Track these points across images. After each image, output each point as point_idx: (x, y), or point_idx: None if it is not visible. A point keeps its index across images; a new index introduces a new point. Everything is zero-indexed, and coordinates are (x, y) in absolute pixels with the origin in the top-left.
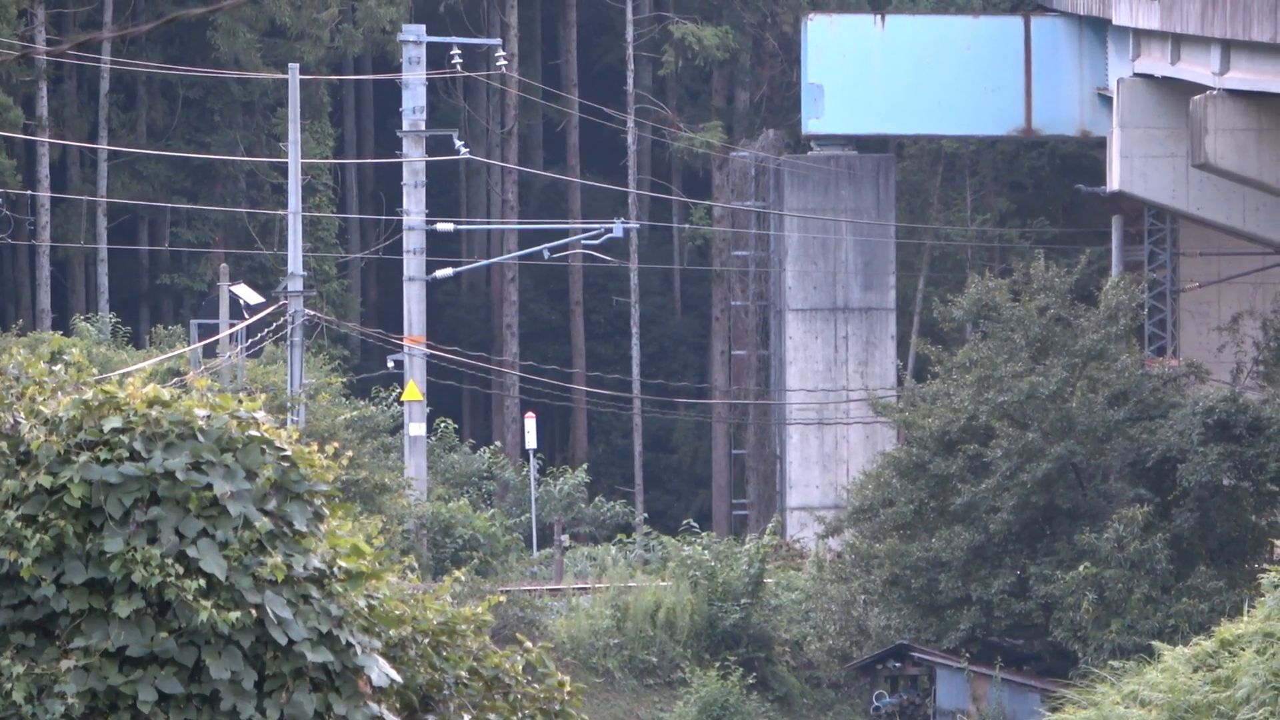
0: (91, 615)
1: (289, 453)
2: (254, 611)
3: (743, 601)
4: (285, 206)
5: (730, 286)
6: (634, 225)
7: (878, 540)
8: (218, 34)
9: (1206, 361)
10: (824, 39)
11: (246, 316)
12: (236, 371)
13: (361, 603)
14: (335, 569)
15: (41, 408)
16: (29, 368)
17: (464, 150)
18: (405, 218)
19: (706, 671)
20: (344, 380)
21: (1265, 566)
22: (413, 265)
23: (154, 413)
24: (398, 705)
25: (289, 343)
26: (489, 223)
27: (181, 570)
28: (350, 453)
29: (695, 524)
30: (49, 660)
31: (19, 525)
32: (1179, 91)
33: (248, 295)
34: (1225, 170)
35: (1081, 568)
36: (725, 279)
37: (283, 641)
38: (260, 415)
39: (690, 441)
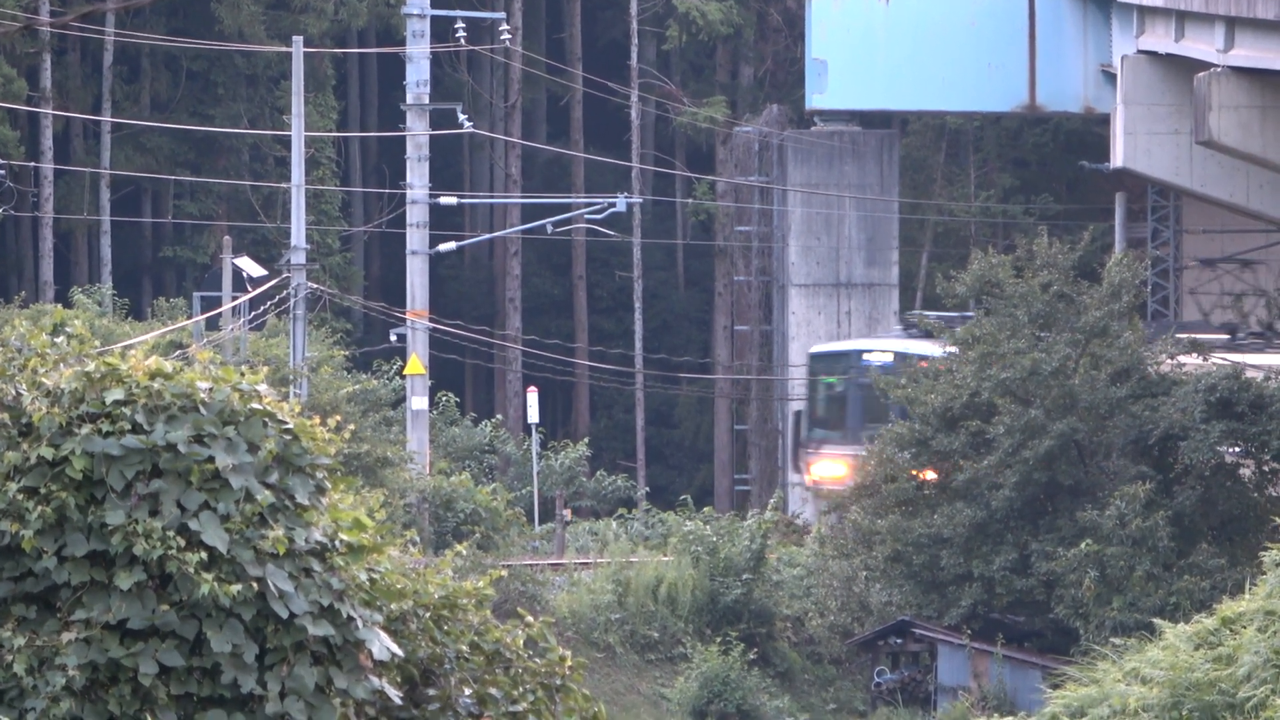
0: (93, 588)
1: (291, 426)
2: (255, 584)
3: (744, 577)
4: (288, 179)
5: (733, 262)
6: (637, 200)
7: (879, 516)
8: (221, 6)
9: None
10: (828, 14)
11: (249, 289)
12: (239, 344)
13: (363, 576)
14: (337, 542)
15: (43, 380)
16: (31, 340)
17: (467, 124)
18: (408, 191)
19: (708, 647)
20: (346, 354)
21: (1267, 544)
22: (415, 239)
23: (156, 385)
24: (399, 679)
25: (291, 316)
26: (492, 197)
27: (183, 543)
28: (352, 426)
29: (691, 501)
30: (50, 632)
31: (20, 497)
32: (1183, 68)
33: (250, 268)
34: (1229, 147)
35: (1083, 545)
36: (728, 254)
37: (284, 615)
38: (262, 388)
39: (692, 416)
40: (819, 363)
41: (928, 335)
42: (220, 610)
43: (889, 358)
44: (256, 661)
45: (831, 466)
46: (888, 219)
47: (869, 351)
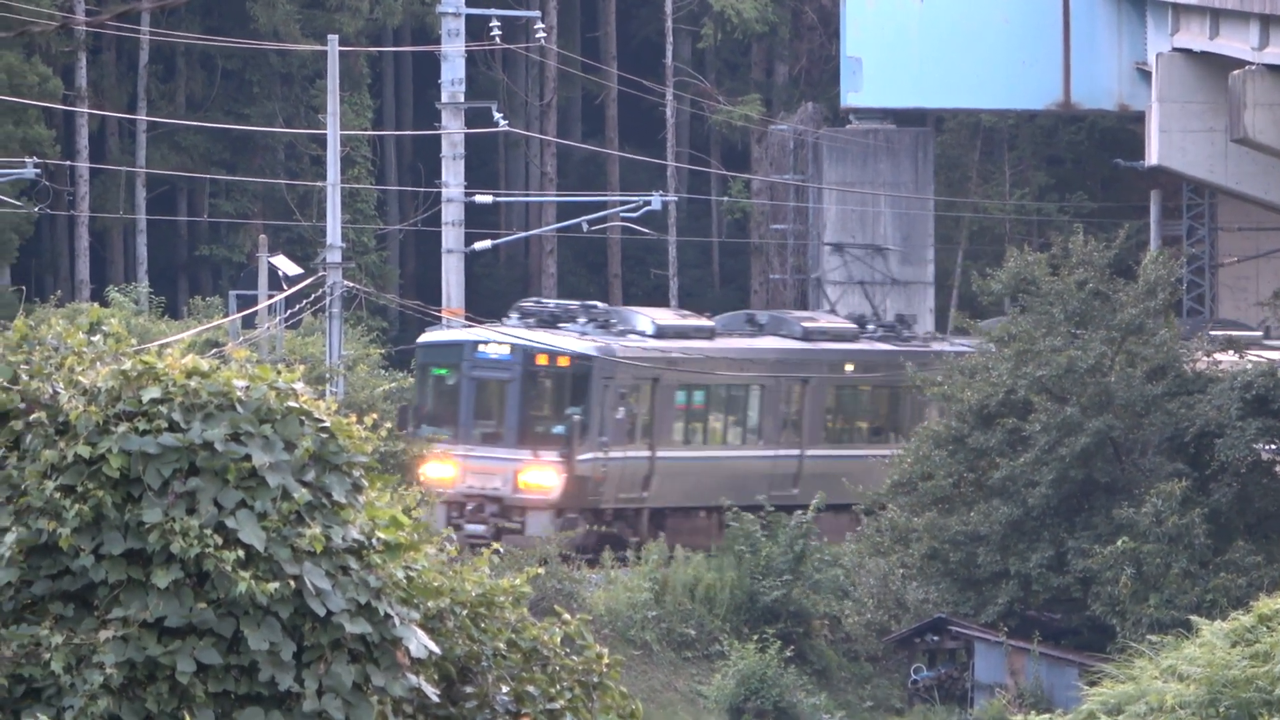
0: (130, 586)
1: (328, 424)
2: (292, 582)
3: (784, 578)
4: (324, 178)
5: (768, 260)
6: (672, 198)
7: (916, 514)
8: (257, 5)
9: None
10: (863, 12)
11: (285, 288)
12: (275, 343)
13: (400, 574)
14: (374, 540)
15: (80, 378)
16: (68, 338)
17: (503, 123)
18: (444, 190)
19: (745, 645)
20: (382, 351)
21: None
22: (451, 237)
23: (193, 383)
24: (435, 676)
25: (327, 314)
26: (527, 195)
27: (220, 541)
28: (389, 424)
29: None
30: (87, 630)
31: (58, 495)
32: (1218, 66)
33: (286, 266)
34: (1264, 145)
35: (1119, 542)
36: (764, 252)
37: (321, 613)
38: (299, 386)
39: None
40: (428, 353)
41: (551, 325)
42: (257, 608)
43: (505, 350)
44: (294, 659)
45: (440, 468)
46: (923, 217)
47: (484, 342)
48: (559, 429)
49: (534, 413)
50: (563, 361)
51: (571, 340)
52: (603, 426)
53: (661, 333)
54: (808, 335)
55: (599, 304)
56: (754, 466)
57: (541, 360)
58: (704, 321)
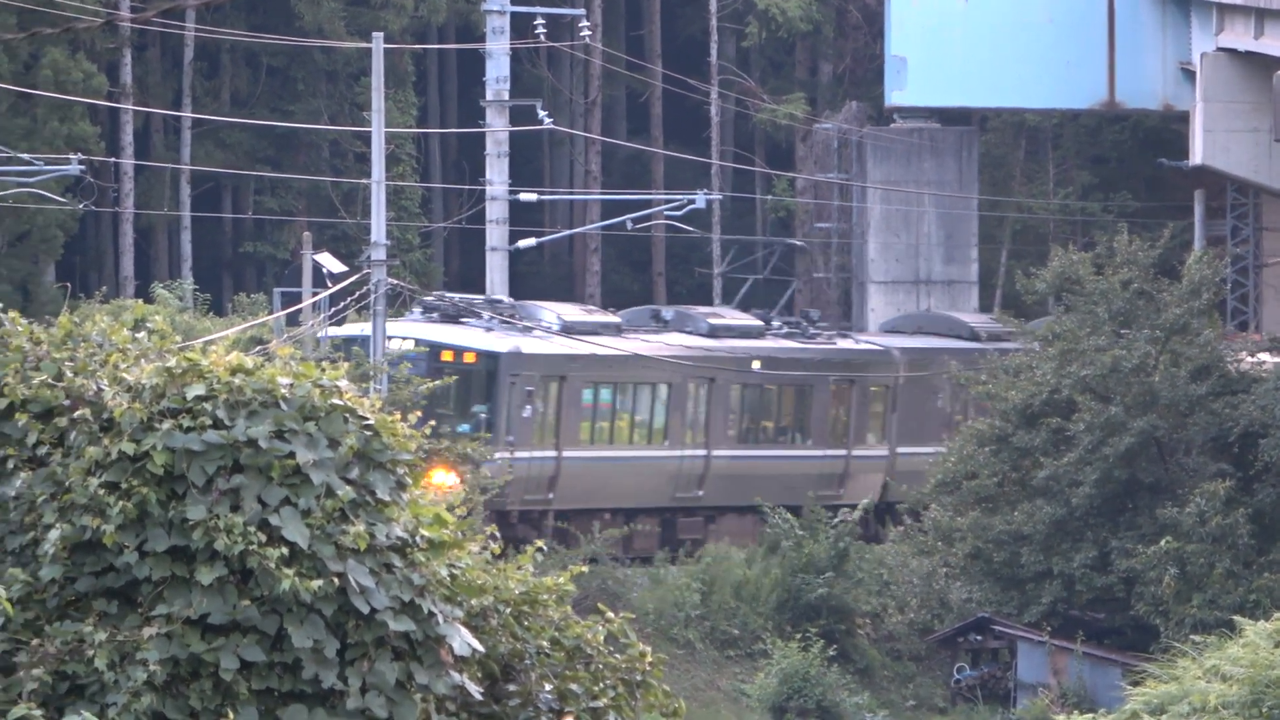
0: (174, 582)
1: (372, 421)
2: (336, 580)
3: (826, 575)
4: (368, 175)
5: (813, 258)
6: (717, 196)
7: (960, 514)
8: (302, 2)
9: None
10: (907, 11)
11: (329, 285)
12: (319, 340)
13: (444, 572)
14: (418, 538)
15: (125, 375)
16: (112, 335)
17: (547, 120)
18: (488, 187)
19: (787, 643)
20: (426, 349)
21: None
22: (495, 235)
23: (237, 380)
24: (479, 674)
25: (371, 311)
26: (572, 193)
27: (264, 538)
28: (433, 421)
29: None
30: (131, 627)
31: (102, 492)
32: (1262, 66)
33: (330, 264)
34: None
35: (1163, 542)
36: (808, 251)
37: (365, 610)
38: (343, 384)
39: None
40: (335, 348)
41: (454, 320)
42: (301, 605)
43: (409, 345)
44: (337, 657)
45: None
46: (967, 216)
47: (389, 337)
48: (463, 427)
49: (438, 410)
50: (469, 358)
51: (478, 335)
52: (509, 425)
53: (568, 328)
54: (713, 332)
55: (504, 298)
56: (660, 467)
57: (447, 357)
58: (610, 318)
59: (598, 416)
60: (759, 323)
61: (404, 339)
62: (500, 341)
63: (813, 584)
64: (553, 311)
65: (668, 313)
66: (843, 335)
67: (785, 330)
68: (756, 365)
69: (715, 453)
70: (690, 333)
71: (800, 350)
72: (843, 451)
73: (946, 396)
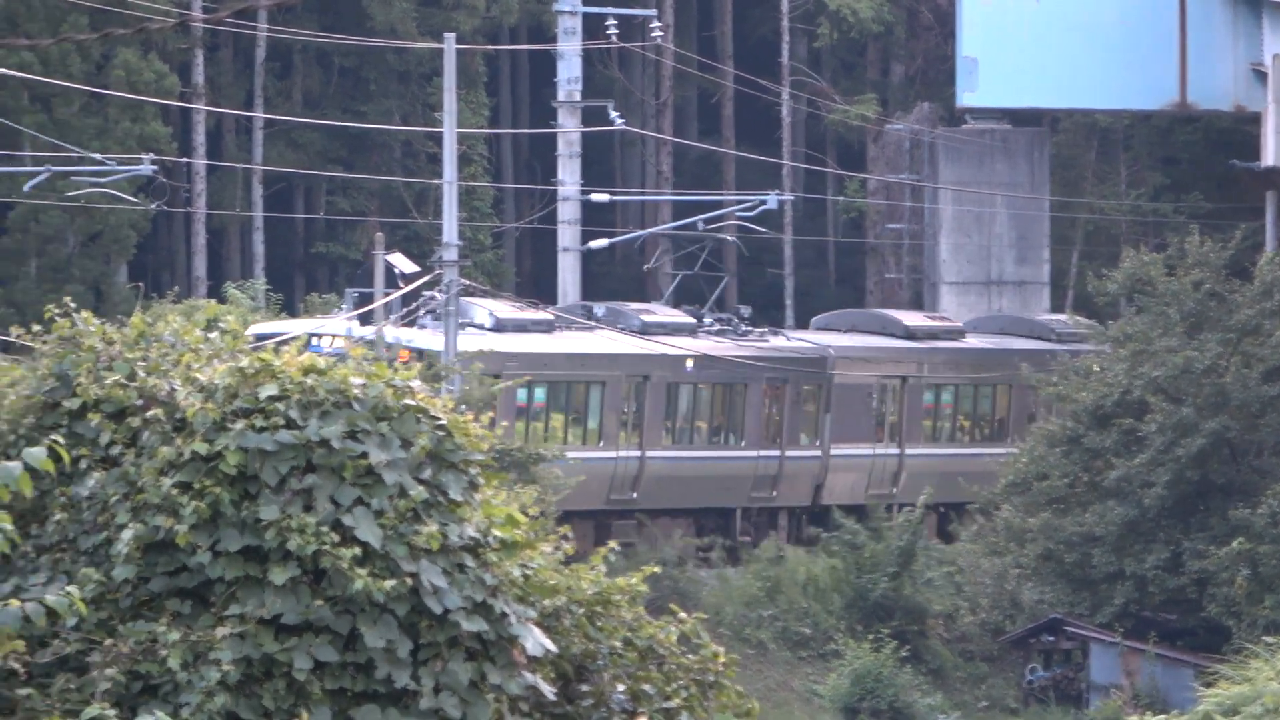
0: (247, 583)
1: (444, 422)
2: (409, 580)
3: (890, 571)
4: (440, 176)
5: (884, 259)
6: (788, 197)
7: (1030, 514)
8: (374, 3)
9: None
10: (979, 11)
11: (401, 285)
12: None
13: (516, 572)
14: (490, 538)
15: (197, 375)
16: (185, 335)
17: (619, 121)
18: (560, 188)
19: (860, 644)
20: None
21: None
22: (567, 236)
23: (310, 381)
24: (552, 675)
25: (443, 312)
26: (643, 193)
27: (337, 538)
28: (505, 422)
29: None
30: (204, 627)
31: (175, 492)
32: None
33: (402, 264)
34: None
35: (1235, 543)
36: (879, 252)
37: (438, 610)
38: (415, 384)
39: None
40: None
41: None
42: (374, 606)
43: (341, 343)
44: (410, 657)
45: None
46: (1038, 217)
47: (319, 335)
48: None
49: None
50: (403, 355)
51: (411, 333)
52: None
53: (500, 326)
54: (645, 329)
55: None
56: (594, 470)
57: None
58: (542, 315)
59: (531, 416)
60: (691, 320)
61: (334, 335)
62: (434, 340)
63: (878, 582)
64: (485, 309)
65: (599, 309)
66: (774, 333)
67: (716, 328)
68: (689, 365)
69: (650, 454)
70: (622, 330)
71: (729, 348)
72: (776, 452)
73: (880, 396)
